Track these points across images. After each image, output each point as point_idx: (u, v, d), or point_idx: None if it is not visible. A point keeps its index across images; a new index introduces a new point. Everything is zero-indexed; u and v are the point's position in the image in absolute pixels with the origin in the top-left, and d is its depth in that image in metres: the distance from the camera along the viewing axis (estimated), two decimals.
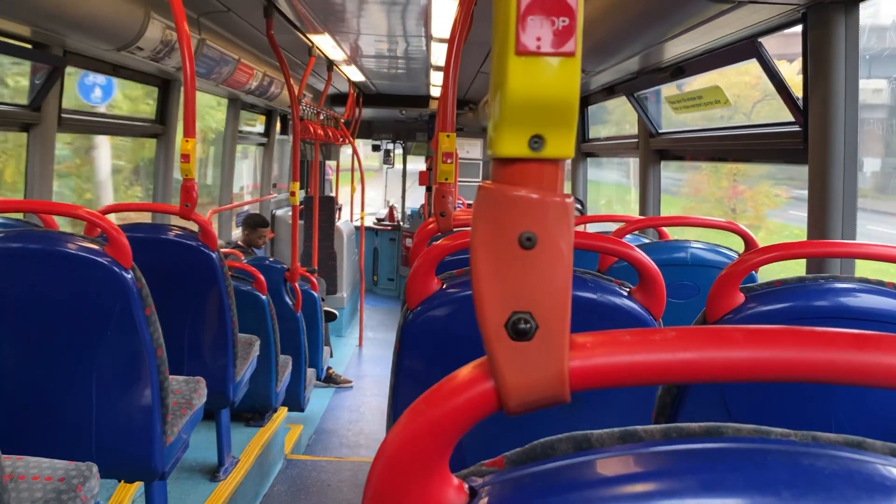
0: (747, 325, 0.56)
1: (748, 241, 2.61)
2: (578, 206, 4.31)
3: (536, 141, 0.52)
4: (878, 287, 1.47)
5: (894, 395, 1.48)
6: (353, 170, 8.93)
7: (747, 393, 1.52)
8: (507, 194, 0.53)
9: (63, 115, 3.76)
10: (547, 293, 0.53)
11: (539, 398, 0.54)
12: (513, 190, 0.53)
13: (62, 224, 3.15)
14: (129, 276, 2.21)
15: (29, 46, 3.48)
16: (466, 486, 0.57)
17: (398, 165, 12.16)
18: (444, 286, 1.68)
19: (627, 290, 1.65)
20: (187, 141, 2.89)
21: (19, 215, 3.19)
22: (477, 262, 0.54)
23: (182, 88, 2.95)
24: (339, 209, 9.53)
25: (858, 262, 2.45)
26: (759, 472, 0.52)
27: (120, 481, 2.88)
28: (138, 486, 3.14)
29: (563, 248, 0.53)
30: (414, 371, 1.68)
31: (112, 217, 2.47)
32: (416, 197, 11.72)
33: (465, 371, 0.56)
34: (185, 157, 2.88)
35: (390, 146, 11.98)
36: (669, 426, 0.58)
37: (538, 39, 0.50)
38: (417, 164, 11.85)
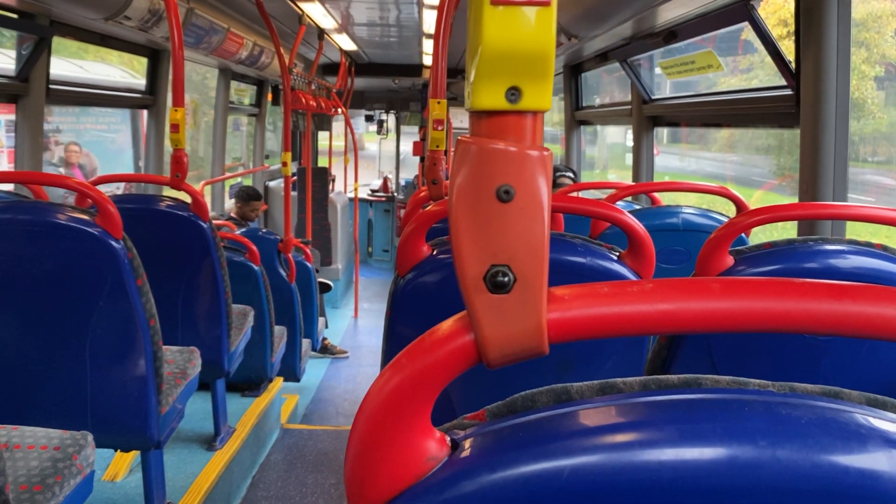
0: (725, 277, 0.56)
1: (739, 205, 2.61)
2: (571, 175, 4.30)
3: (514, 93, 0.52)
4: (867, 248, 1.48)
5: (882, 355, 1.50)
6: (346, 141, 8.89)
7: (737, 357, 1.53)
8: (484, 147, 0.53)
9: (51, 87, 3.73)
10: (525, 246, 0.53)
11: (518, 350, 0.54)
12: (490, 143, 0.53)
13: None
14: (120, 246, 2.21)
15: (15, 16, 3.44)
16: (448, 438, 0.57)
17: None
18: (435, 252, 1.68)
19: (617, 254, 1.65)
20: (176, 111, 2.87)
21: (9, 187, 3.18)
22: (456, 216, 0.54)
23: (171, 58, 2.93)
24: (333, 180, 9.49)
25: (849, 224, 2.46)
26: (737, 422, 0.53)
27: (117, 450, 2.90)
28: (135, 455, 3.17)
29: (540, 200, 0.53)
30: (405, 337, 1.69)
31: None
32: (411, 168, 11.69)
33: (446, 325, 0.56)
34: (175, 127, 2.86)
35: (384, 116, 11.91)
36: (648, 378, 0.59)
37: None
38: (411, 134, 11.78)
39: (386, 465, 0.56)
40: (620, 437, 0.53)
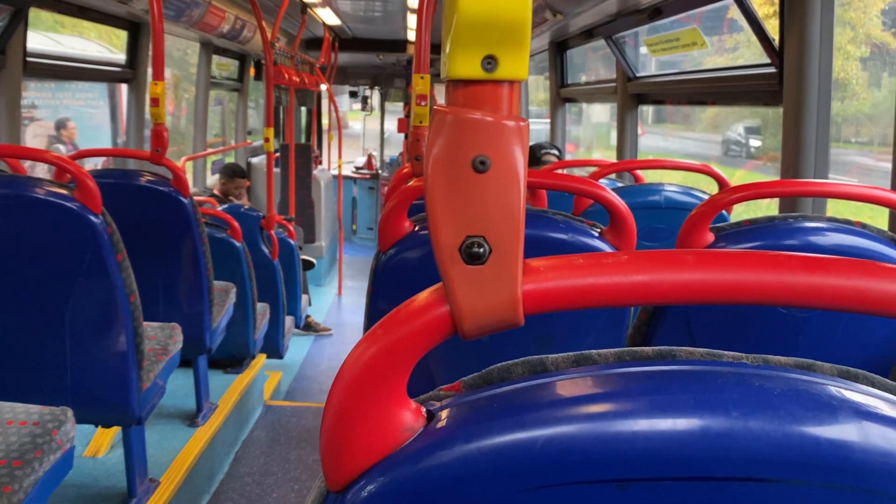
0: (700, 250, 0.56)
1: (721, 183, 2.62)
2: (556, 153, 4.29)
3: (489, 61, 0.51)
4: (847, 226, 1.49)
5: (860, 330, 1.51)
6: (329, 118, 8.82)
7: (716, 332, 1.54)
8: (460, 117, 0.52)
9: (28, 60, 3.66)
10: (500, 217, 0.53)
11: (493, 321, 0.54)
12: (466, 112, 0.52)
13: None
14: (99, 221, 2.19)
15: None
16: (424, 409, 0.57)
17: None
18: (416, 228, 1.67)
19: (598, 230, 1.65)
20: (156, 84, 2.83)
21: None
22: (431, 186, 0.53)
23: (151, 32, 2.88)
24: (317, 157, 9.43)
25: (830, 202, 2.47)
26: (710, 393, 0.53)
27: (98, 426, 2.89)
28: (117, 431, 3.16)
29: (516, 171, 0.52)
30: (386, 313, 1.69)
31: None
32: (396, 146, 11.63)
33: (422, 297, 0.56)
34: (155, 101, 2.83)
35: (368, 93, 11.82)
36: (623, 350, 0.59)
37: None
38: (396, 112, 11.71)
39: (361, 436, 0.55)
40: (594, 408, 0.53)
